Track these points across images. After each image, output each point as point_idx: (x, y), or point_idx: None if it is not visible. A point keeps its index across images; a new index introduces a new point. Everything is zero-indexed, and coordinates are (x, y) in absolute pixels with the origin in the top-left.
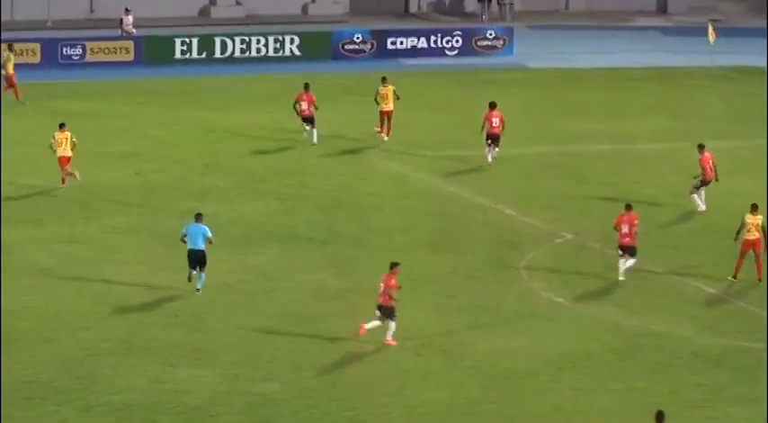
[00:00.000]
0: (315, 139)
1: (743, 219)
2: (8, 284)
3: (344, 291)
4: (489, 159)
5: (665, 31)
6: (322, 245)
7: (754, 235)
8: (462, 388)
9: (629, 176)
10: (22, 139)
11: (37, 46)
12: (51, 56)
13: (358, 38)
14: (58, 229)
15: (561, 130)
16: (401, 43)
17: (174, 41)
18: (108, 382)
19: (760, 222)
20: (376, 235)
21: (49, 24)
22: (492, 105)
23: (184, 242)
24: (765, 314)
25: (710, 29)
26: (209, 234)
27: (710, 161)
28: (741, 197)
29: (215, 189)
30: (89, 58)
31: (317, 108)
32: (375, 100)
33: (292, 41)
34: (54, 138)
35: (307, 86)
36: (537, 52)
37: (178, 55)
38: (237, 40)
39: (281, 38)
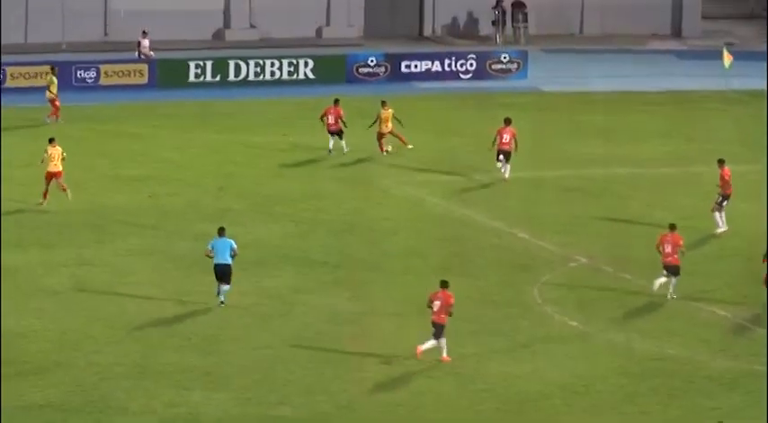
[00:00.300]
0: (345, 148)
1: None
2: (19, 307)
3: (358, 315)
4: (506, 175)
5: (680, 54)
6: (336, 269)
7: None
8: (476, 411)
9: (644, 200)
10: (33, 161)
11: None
12: (65, 79)
13: (372, 61)
14: (69, 252)
15: (576, 154)
16: (415, 66)
17: (189, 64)
18: (121, 405)
19: None
20: (390, 259)
21: (64, 47)
22: (507, 121)
23: (210, 257)
24: None
25: (726, 52)
26: (235, 246)
27: (730, 177)
28: (754, 220)
29: (229, 212)
30: (103, 81)
31: (345, 124)
32: (374, 122)
33: (306, 65)
34: (46, 153)
35: (336, 102)
36: (551, 76)
37: (192, 78)
38: (252, 63)
39: (295, 61)
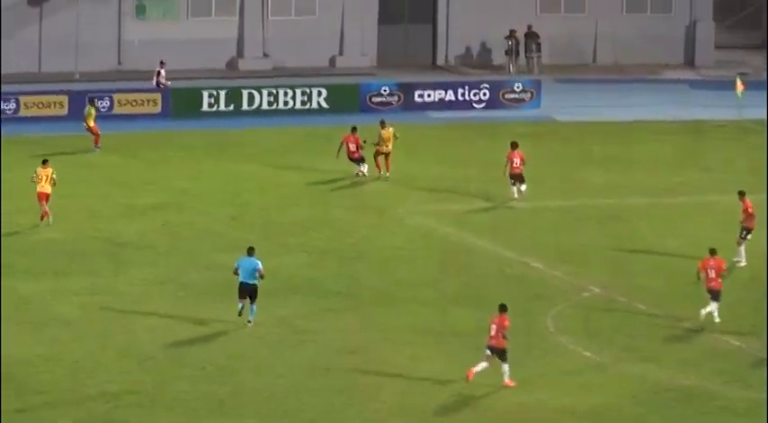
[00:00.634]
0: (366, 173)
1: None
2: (32, 336)
3: (370, 344)
4: (515, 195)
5: (693, 84)
6: (348, 297)
7: None
8: None
9: (657, 229)
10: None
11: (64, 98)
12: (79, 108)
13: (385, 90)
14: (82, 280)
15: (589, 183)
16: (428, 96)
17: (202, 94)
18: None
19: None
20: (402, 288)
21: (77, 76)
22: (514, 145)
23: (237, 275)
24: None
25: (738, 82)
26: (261, 267)
27: (753, 209)
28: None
29: (242, 241)
30: (117, 110)
31: (363, 148)
32: (376, 142)
33: (320, 94)
34: (36, 173)
35: (354, 129)
36: (565, 105)
37: (206, 107)
38: (265, 92)
39: (308, 90)
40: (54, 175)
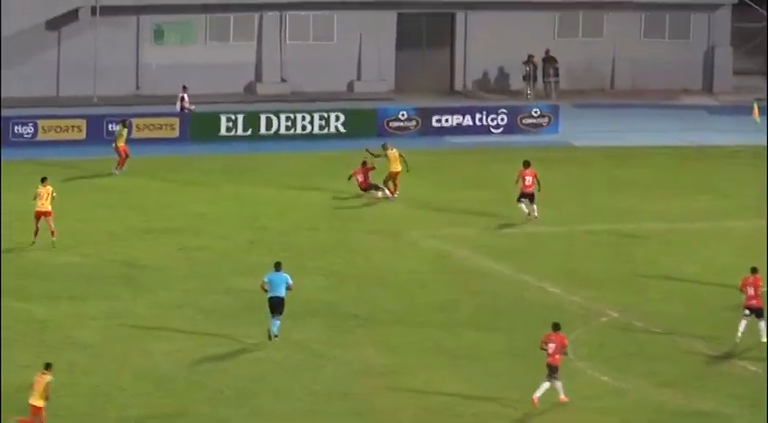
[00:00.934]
0: (385, 194)
1: None
2: (49, 361)
3: (389, 367)
4: (526, 210)
5: (711, 109)
6: (366, 321)
7: None
8: None
9: (676, 255)
10: (67, 214)
11: (82, 122)
12: (97, 132)
13: (403, 115)
14: (100, 304)
15: (607, 209)
16: (446, 121)
17: (220, 118)
18: None
19: None
20: (419, 312)
21: (95, 101)
22: (526, 164)
23: (265, 290)
24: None
25: (756, 108)
26: (291, 281)
27: None
28: None
29: (260, 266)
30: (135, 134)
31: (373, 167)
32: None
33: (337, 118)
34: (36, 191)
35: (364, 163)
36: (582, 130)
37: (224, 131)
38: (283, 116)
39: (326, 115)
40: (54, 193)
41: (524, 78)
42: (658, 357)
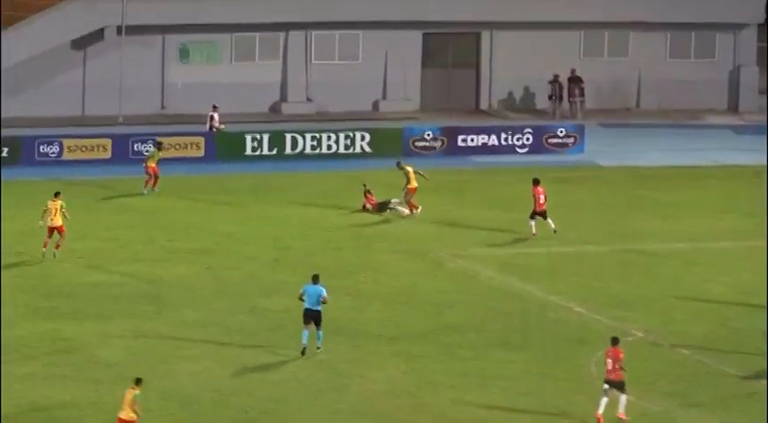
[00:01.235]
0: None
1: None
2: (75, 379)
3: (415, 388)
4: (534, 230)
5: (737, 129)
6: (392, 341)
7: None
8: None
9: (701, 275)
10: (91, 234)
11: (108, 141)
12: (122, 151)
13: (429, 135)
14: (126, 323)
15: (633, 228)
16: (472, 140)
17: (245, 137)
18: None
19: None
20: (446, 332)
21: (121, 120)
22: (536, 181)
23: (302, 300)
24: None
25: None
26: (325, 294)
27: None
28: None
29: (286, 285)
30: (161, 153)
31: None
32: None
33: (363, 138)
34: (46, 206)
35: (368, 192)
36: (608, 150)
37: (249, 151)
38: (308, 136)
39: (351, 134)
40: (64, 208)
41: (550, 98)
42: (684, 377)
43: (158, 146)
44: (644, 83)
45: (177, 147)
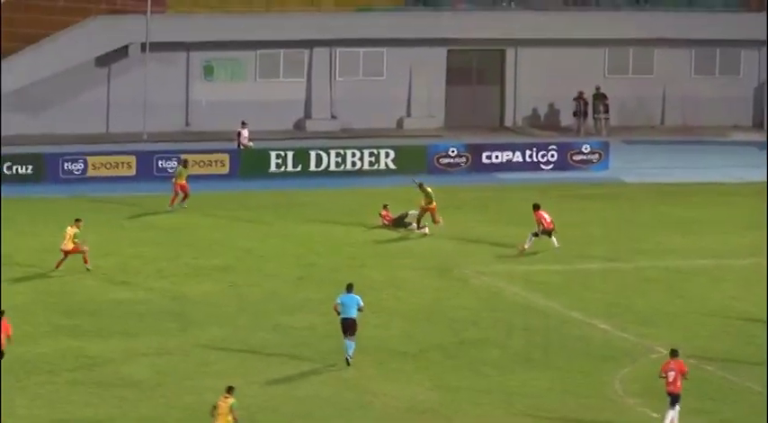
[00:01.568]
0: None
1: None
2: (100, 397)
3: (439, 404)
4: (527, 245)
5: (762, 145)
6: (415, 358)
7: None
8: None
9: (725, 292)
10: (115, 251)
11: (132, 158)
12: (146, 168)
13: (453, 152)
14: (150, 340)
15: (658, 245)
16: (496, 157)
17: (270, 154)
18: None
19: None
20: (470, 348)
21: (145, 137)
22: (536, 206)
23: (338, 312)
24: None
25: None
26: (362, 303)
27: None
28: None
29: (309, 302)
30: (187, 170)
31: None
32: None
33: (387, 155)
34: (67, 230)
35: (385, 206)
36: (633, 167)
37: (273, 168)
38: (333, 153)
39: (375, 151)
40: (76, 239)
41: (575, 115)
42: (709, 394)
43: (184, 163)
44: (668, 100)
45: (202, 164)
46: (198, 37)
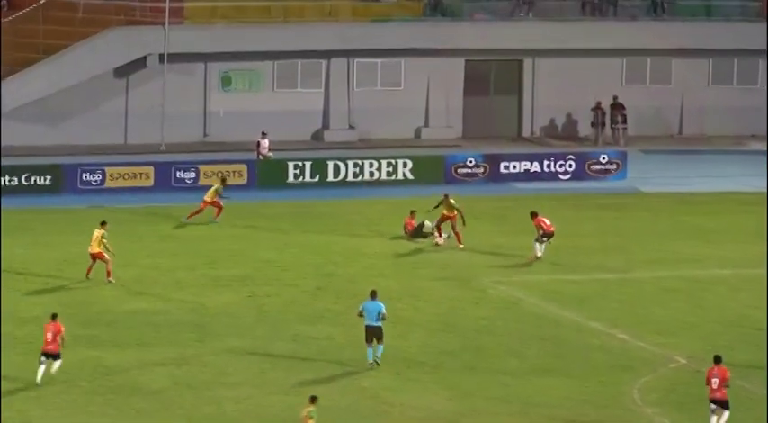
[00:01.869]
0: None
1: None
2: (117, 408)
3: (457, 414)
4: (539, 253)
5: None
6: (434, 368)
7: None
8: None
9: (744, 301)
10: (133, 261)
11: (150, 169)
12: (164, 179)
13: (471, 162)
14: (168, 351)
15: (676, 255)
16: (514, 167)
17: (287, 165)
18: None
19: None
20: (488, 358)
21: (163, 148)
22: (534, 214)
23: (361, 316)
24: None
25: None
26: (384, 310)
27: None
28: None
29: (328, 312)
30: (202, 181)
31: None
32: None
33: (405, 165)
34: (94, 233)
35: (413, 212)
36: (651, 176)
37: (291, 178)
38: (350, 163)
39: (393, 162)
40: (104, 238)
41: (592, 125)
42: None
43: (223, 181)
44: (686, 109)
45: (220, 174)
46: (216, 48)
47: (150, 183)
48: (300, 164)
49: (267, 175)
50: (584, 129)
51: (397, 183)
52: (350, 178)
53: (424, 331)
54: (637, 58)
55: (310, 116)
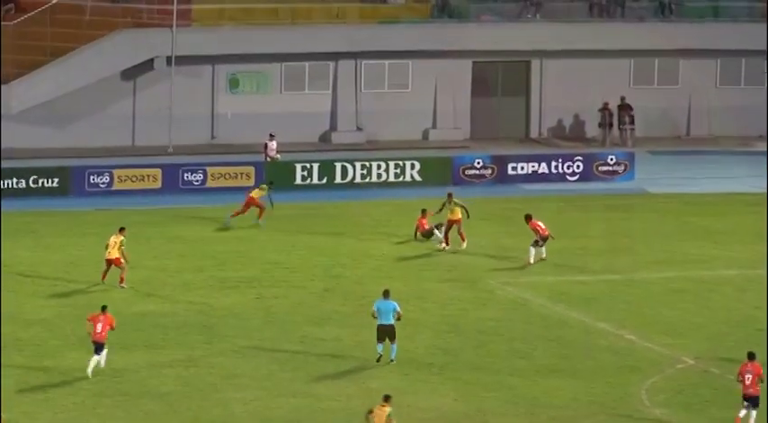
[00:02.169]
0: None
1: None
2: (125, 410)
3: (465, 415)
4: (532, 259)
5: None
6: (442, 370)
7: None
8: None
9: (752, 302)
10: (140, 263)
11: (158, 171)
12: (172, 181)
13: (479, 163)
14: (176, 353)
15: (684, 255)
16: (522, 168)
17: (295, 167)
18: None
19: None
20: (496, 360)
21: (170, 150)
22: (528, 217)
23: (375, 317)
24: None
25: None
26: (399, 309)
27: None
28: None
29: (335, 314)
30: (210, 183)
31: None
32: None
33: (413, 167)
34: (109, 240)
35: (424, 211)
36: (658, 177)
37: (299, 180)
38: (358, 165)
39: (401, 163)
40: (122, 244)
41: (600, 126)
42: (736, 405)
43: (270, 184)
44: (694, 110)
45: (227, 176)
46: (223, 50)
47: (158, 185)
48: (308, 165)
49: (275, 176)
50: (592, 130)
51: (404, 184)
52: (357, 180)
53: (431, 332)
54: (644, 59)
55: (318, 118)
